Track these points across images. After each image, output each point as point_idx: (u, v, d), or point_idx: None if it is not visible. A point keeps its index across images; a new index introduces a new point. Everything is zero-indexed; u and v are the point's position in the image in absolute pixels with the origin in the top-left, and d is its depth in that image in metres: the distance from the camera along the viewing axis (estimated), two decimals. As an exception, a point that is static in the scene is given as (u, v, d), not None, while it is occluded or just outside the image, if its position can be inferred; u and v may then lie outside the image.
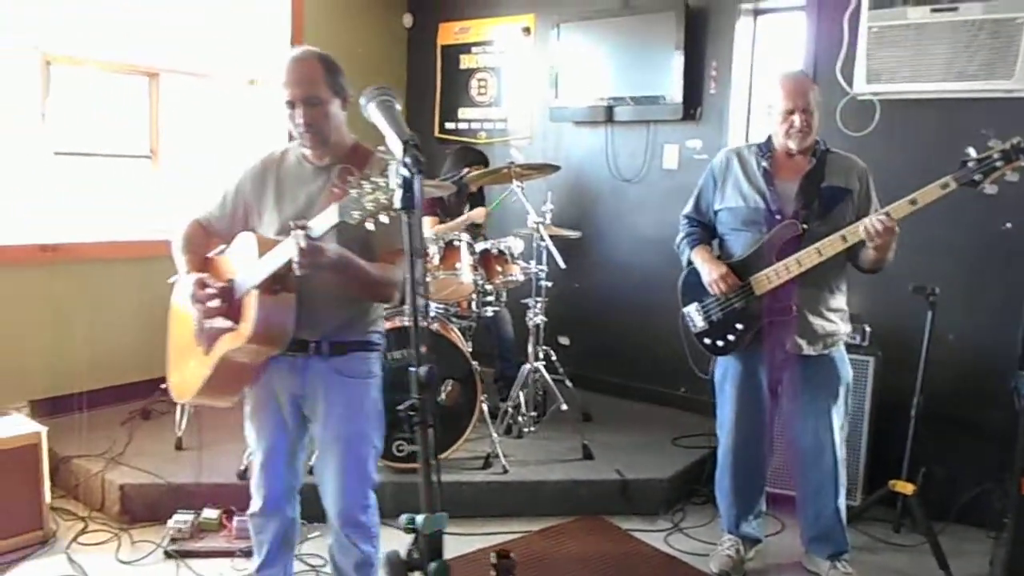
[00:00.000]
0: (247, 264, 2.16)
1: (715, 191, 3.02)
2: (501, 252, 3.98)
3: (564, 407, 3.97)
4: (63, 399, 3.97)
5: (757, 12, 4.47)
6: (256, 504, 2.46)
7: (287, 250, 1.98)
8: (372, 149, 2.29)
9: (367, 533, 2.39)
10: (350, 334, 2.30)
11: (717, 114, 4.48)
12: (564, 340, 4.95)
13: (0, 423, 3.18)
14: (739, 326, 2.91)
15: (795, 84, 2.82)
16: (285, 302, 2.13)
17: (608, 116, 4.80)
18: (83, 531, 3.28)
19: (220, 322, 2.19)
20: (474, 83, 5.47)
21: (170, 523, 3.19)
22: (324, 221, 1.92)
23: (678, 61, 4.41)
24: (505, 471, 3.62)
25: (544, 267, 4.10)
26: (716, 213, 3.02)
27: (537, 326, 4.10)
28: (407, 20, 5.74)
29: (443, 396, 3.61)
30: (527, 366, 4.07)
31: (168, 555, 3.10)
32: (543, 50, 5.06)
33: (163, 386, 4.06)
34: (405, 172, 1.42)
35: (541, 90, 5.08)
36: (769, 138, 2.93)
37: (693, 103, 4.49)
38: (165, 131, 4.76)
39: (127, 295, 4.30)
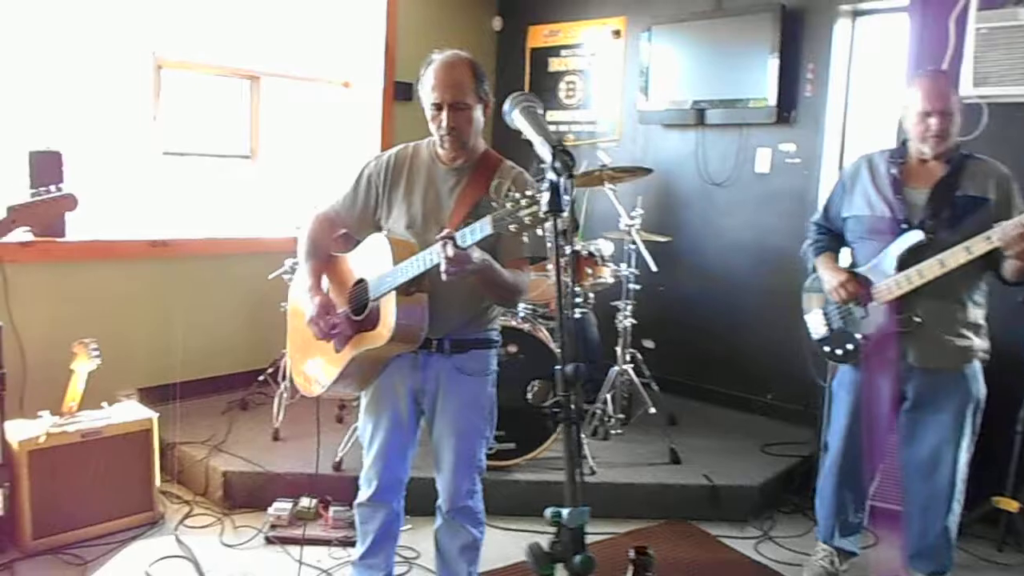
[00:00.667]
0: (379, 267, 2.23)
1: (843, 198, 2.94)
2: (591, 254, 3.99)
3: (652, 410, 3.96)
4: (166, 388, 4.15)
5: (857, 13, 4.37)
6: (365, 494, 2.53)
7: (431, 257, 2.04)
8: (501, 156, 2.36)
9: (474, 517, 2.48)
10: (470, 332, 2.37)
11: (813, 118, 4.40)
12: (648, 343, 4.93)
13: (115, 409, 3.35)
14: (859, 335, 2.84)
15: (933, 84, 2.68)
16: (420, 302, 2.20)
17: (699, 119, 4.76)
18: (188, 514, 3.43)
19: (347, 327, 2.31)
20: (562, 86, 5.50)
21: (270, 510, 3.31)
22: (477, 231, 1.96)
23: (773, 63, 4.35)
24: (592, 472, 3.64)
25: (635, 270, 4.10)
26: (844, 220, 2.93)
27: (626, 328, 4.10)
28: (496, 23, 5.81)
29: (530, 395, 3.64)
30: (615, 368, 4.07)
31: (269, 541, 3.22)
32: (633, 53, 5.06)
33: (261, 378, 4.28)
34: (553, 176, 1.45)
35: (630, 93, 5.08)
36: (904, 143, 2.81)
37: (787, 106, 4.43)
38: (264, 132, 4.93)
39: (228, 290, 4.47)
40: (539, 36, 5.62)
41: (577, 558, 1.29)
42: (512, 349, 3.57)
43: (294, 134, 5.10)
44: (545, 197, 1.57)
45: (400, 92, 5.23)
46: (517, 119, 1.74)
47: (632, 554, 1.91)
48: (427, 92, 2.25)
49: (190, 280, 4.40)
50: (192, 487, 3.66)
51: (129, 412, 3.35)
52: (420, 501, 2.78)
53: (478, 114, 2.27)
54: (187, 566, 3.03)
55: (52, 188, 2.07)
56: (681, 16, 4.80)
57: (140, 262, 4.22)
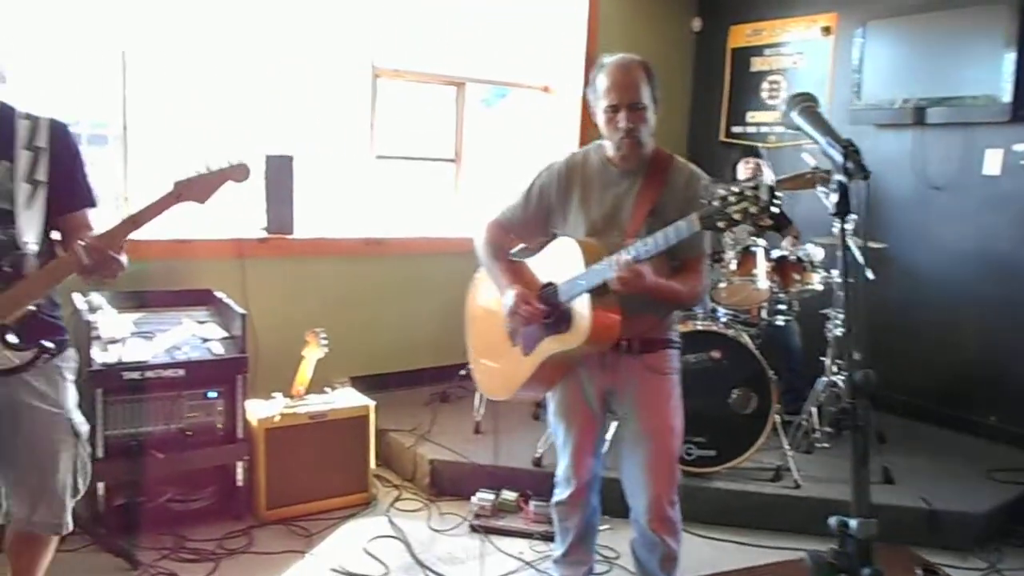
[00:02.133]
0: (569, 270, 2.25)
1: None
2: (800, 260, 3.84)
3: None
4: (375, 377, 4.40)
5: (1111, -1, 3.94)
6: (564, 493, 2.55)
7: (612, 266, 2.08)
8: (671, 155, 2.35)
9: (673, 528, 2.42)
10: (658, 333, 2.38)
11: (1054, 115, 4.01)
12: (855, 355, 4.66)
13: (337, 394, 3.60)
14: None
15: None
16: (613, 304, 2.21)
17: (917, 118, 4.46)
18: (398, 498, 3.63)
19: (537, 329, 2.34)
20: (765, 86, 5.33)
21: (474, 500, 3.44)
22: (683, 230, 1.97)
23: (1009, 57, 4.00)
24: (797, 486, 3.50)
25: (848, 278, 3.88)
26: None
27: (836, 338, 3.91)
28: (696, 24, 5.72)
29: (732, 402, 3.56)
30: (823, 379, 3.90)
31: (473, 529, 3.34)
32: (844, 49, 4.82)
33: (462, 372, 4.44)
34: (844, 178, 1.42)
35: (840, 91, 4.84)
36: None
37: (1024, 103, 4.06)
38: (468, 136, 5.12)
39: (433, 286, 4.68)
40: (741, 36, 5.47)
41: (866, 571, 1.24)
42: (716, 355, 3.50)
43: (496, 138, 5.27)
44: (764, 192, 1.53)
45: (599, 95, 5.26)
46: (798, 119, 1.71)
47: (920, 572, 1.83)
48: (601, 95, 2.26)
49: (399, 277, 4.65)
50: (401, 472, 3.87)
51: (349, 398, 3.60)
52: (620, 503, 2.78)
53: (651, 115, 2.27)
54: (399, 546, 3.21)
55: (229, 161, 2.07)
56: (900, 10, 4.52)
57: (355, 259, 4.51)
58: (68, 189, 2.08)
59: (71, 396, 2.17)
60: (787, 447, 3.58)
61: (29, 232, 1.99)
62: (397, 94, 4.86)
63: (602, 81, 2.26)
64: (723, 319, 3.83)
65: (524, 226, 2.49)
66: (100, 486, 3.05)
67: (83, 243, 1.92)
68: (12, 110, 2.06)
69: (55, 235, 2.11)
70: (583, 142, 5.21)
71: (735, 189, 1.78)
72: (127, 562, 2.91)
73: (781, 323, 4.04)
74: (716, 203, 1.82)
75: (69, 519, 2.20)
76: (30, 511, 2.14)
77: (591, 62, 5.17)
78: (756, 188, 1.82)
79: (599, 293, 2.19)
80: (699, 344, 3.52)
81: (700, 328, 3.59)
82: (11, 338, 1.94)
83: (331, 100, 4.49)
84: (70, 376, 2.18)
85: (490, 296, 2.54)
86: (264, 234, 4.10)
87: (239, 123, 4.16)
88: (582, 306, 2.23)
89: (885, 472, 3.59)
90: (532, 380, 2.42)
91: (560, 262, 2.31)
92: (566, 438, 2.51)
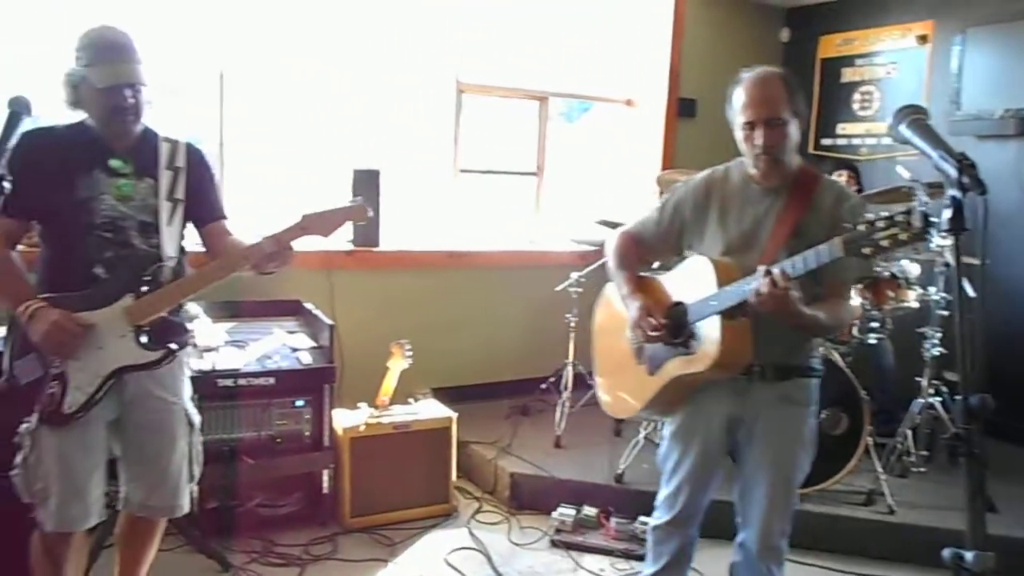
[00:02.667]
0: (701, 290, 2.17)
1: None
2: (894, 276, 3.71)
3: (960, 450, 3.58)
4: (456, 389, 4.43)
5: None
6: (663, 517, 2.45)
7: (755, 286, 1.99)
8: (819, 173, 2.24)
9: (780, 559, 2.33)
10: (794, 359, 2.25)
11: None
12: (951, 376, 4.47)
13: (420, 405, 3.65)
14: None
15: None
16: (745, 328, 2.12)
17: (1020, 128, 4.27)
18: (478, 510, 3.64)
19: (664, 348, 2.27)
20: (856, 96, 5.19)
21: (554, 514, 3.42)
22: (825, 254, 1.89)
23: (1125, 64, 3.80)
24: (891, 511, 3.36)
25: (945, 294, 3.74)
26: None
27: (934, 358, 3.75)
28: (784, 35, 5.62)
29: (822, 423, 3.45)
30: (919, 401, 3.74)
31: (553, 544, 3.33)
32: (942, 58, 4.65)
33: (543, 386, 4.45)
34: (958, 192, 1.36)
35: (937, 102, 4.66)
36: None
37: None
38: (550, 150, 5.13)
39: (514, 300, 4.70)
40: (831, 46, 5.34)
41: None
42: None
43: (577, 152, 5.27)
44: (918, 219, 1.47)
45: (684, 109, 5.21)
46: (907, 132, 1.64)
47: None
48: (737, 111, 2.17)
49: (481, 289, 4.68)
50: (481, 485, 3.88)
51: (432, 409, 3.63)
52: (708, 522, 2.71)
53: (793, 129, 2.16)
54: (480, 559, 3.22)
55: (351, 201, 2.26)
56: (1000, 16, 4.35)
57: (438, 271, 4.56)
58: (206, 204, 2.32)
59: (187, 388, 2.38)
60: (880, 470, 3.45)
61: (170, 245, 2.22)
62: (481, 108, 4.92)
63: (739, 96, 2.17)
64: (812, 336, 3.72)
65: (656, 241, 2.42)
66: (195, 489, 3.15)
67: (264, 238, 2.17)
68: (156, 134, 2.27)
69: (192, 247, 2.32)
70: (666, 156, 5.17)
71: (884, 214, 1.69)
72: (219, 564, 3.01)
73: (873, 341, 3.90)
74: (863, 227, 1.73)
75: (184, 502, 2.38)
76: (147, 495, 2.32)
77: (675, 75, 5.18)
78: (908, 214, 1.71)
79: (731, 315, 2.10)
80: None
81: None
82: (144, 339, 2.15)
83: (416, 115, 4.57)
84: (188, 370, 2.40)
85: (619, 310, 2.48)
86: (351, 247, 4.19)
87: (329, 138, 4.28)
88: (712, 328, 2.14)
89: (987, 500, 3.41)
90: (655, 400, 2.35)
91: (692, 281, 2.22)
92: (679, 464, 2.38)
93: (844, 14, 5.28)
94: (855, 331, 3.90)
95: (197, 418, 2.40)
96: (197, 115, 3.94)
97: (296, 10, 4.10)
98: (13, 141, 1.75)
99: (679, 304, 2.26)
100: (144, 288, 2.14)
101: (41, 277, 2.19)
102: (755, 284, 1.97)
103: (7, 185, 1.67)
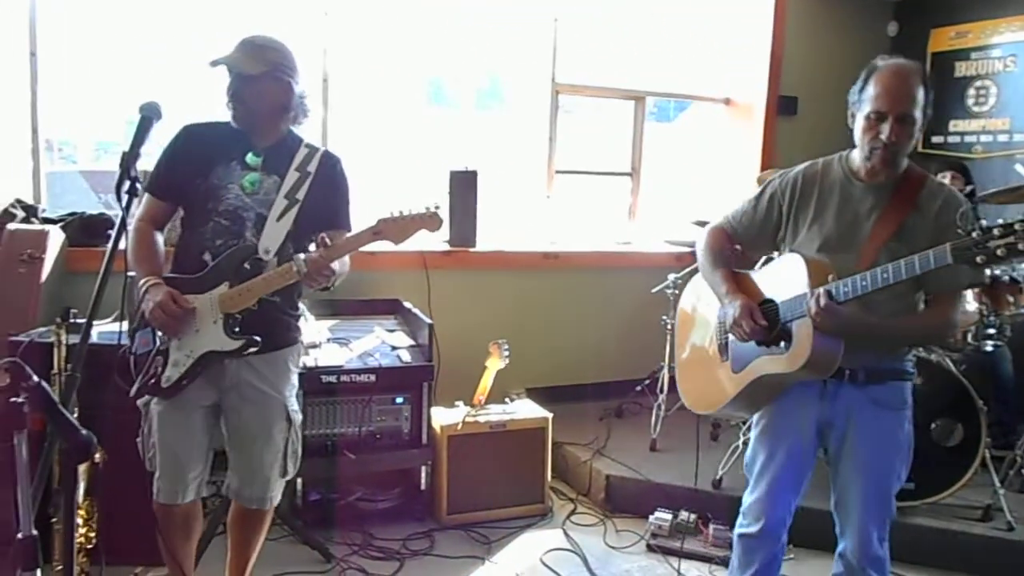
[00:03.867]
0: (793, 288, 2.11)
1: None
2: (1015, 280, 3.52)
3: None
4: (551, 390, 4.43)
5: None
6: (752, 527, 2.38)
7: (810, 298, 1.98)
8: (925, 173, 2.14)
9: (882, 567, 2.25)
10: (887, 362, 2.18)
11: None
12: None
13: (517, 405, 3.67)
14: None
15: None
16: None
17: None
18: (573, 512, 3.63)
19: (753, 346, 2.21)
20: (971, 92, 4.94)
21: (651, 518, 3.38)
22: (930, 260, 1.82)
23: None
24: (1010, 528, 3.19)
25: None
26: None
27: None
28: (892, 28, 5.40)
29: (934, 433, 3.30)
30: (1041, 412, 3.54)
31: (650, 548, 3.29)
32: (1068, 49, 4.39)
33: (637, 388, 4.40)
34: None
35: (1061, 96, 4.42)
36: None
37: None
38: (647, 150, 5.08)
39: (609, 301, 4.66)
40: (944, 39, 5.11)
41: None
42: (917, 381, 3.25)
43: (674, 152, 5.20)
44: None
45: (784, 107, 5.08)
46: None
47: None
48: (867, 99, 2.06)
49: (576, 291, 4.67)
50: (576, 486, 3.87)
51: (528, 409, 3.64)
52: (807, 533, 2.64)
53: (918, 131, 2.07)
54: (575, 560, 3.21)
55: (427, 207, 2.23)
56: None
57: (533, 272, 4.57)
58: (327, 210, 2.35)
59: (290, 384, 2.42)
60: (998, 484, 3.28)
61: (272, 241, 2.25)
62: (577, 108, 4.91)
63: (872, 85, 2.06)
64: (924, 342, 3.57)
65: (750, 234, 2.36)
66: (298, 481, 3.26)
67: (301, 256, 2.16)
68: (300, 140, 2.39)
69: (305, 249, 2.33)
70: (766, 155, 5.05)
71: (1001, 221, 1.62)
72: (321, 555, 3.09)
73: (990, 348, 3.70)
74: (976, 234, 1.66)
75: (275, 495, 2.43)
76: (241, 484, 2.40)
77: (775, 72, 5.05)
78: None
79: None
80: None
81: (919, 353, 3.35)
82: (233, 327, 2.21)
83: (513, 116, 4.60)
84: (294, 367, 2.44)
85: (705, 304, 2.46)
86: (447, 247, 4.24)
87: (428, 140, 4.35)
88: (803, 328, 2.08)
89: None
90: (739, 399, 2.30)
91: (783, 278, 2.17)
92: (765, 467, 2.33)
93: (958, 6, 5.04)
94: (970, 337, 3.72)
95: (298, 416, 2.43)
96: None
97: (395, 15, 4.18)
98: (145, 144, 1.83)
99: (770, 301, 2.20)
100: (239, 278, 2.21)
101: (172, 259, 2.34)
102: (809, 304, 1.96)
103: (138, 186, 1.73)
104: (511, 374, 3.69)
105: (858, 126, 2.10)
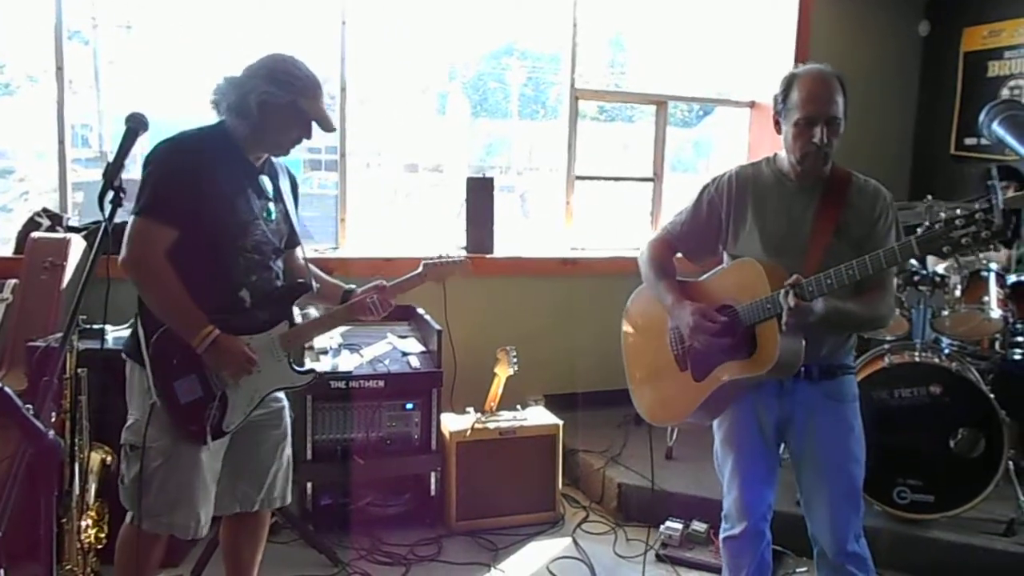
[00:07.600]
0: (752, 293, 2.12)
1: None
2: (1041, 286, 3.41)
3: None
4: (567, 396, 4.41)
5: None
6: (735, 528, 2.40)
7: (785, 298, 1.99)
8: (850, 172, 2.21)
9: (863, 564, 2.25)
10: (837, 358, 2.26)
11: None
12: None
13: (528, 412, 3.66)
14: None
15: None
16: (799, 331, 2.08)
17: None
18: (584, 519, 3.61)
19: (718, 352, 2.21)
20: (1005, 92, 4.79)
21: (662, 528, 3.34)
22: (896, 255, 1.86)
23: None
24: (1045, 544, 3.09)
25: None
26: None
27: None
28: (923, 28, 5.27)
29: (955, 444, 3.21)
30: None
31: (659, 558, 3.25)
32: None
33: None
34: None
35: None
36: None
37: None
38: (669, 154, 5.03)
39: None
40: (976, 38, 4.97)
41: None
42: (935, 390, 3.17)
43: (695, 155, 5.15)
44: (998, 216, 1.36)
45: (809, 109, 4.98)
46: (999, 130, 1.55)
47: None
48: (793, 106, 2.13)
49: (593, 297, 4.62)
50: (588, 494, 3.84)
51: (539, 416, 3.63)
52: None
53: (841, 131, 2.15)
54: (583, 569, 3.18)
55: (455, 254, 2.55)
56: None
57: (550, 279, 4.56)
58: (293, 229, 2.40)
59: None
60: (1022, 498, 3.17)
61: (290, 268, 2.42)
62: (598, 112, 4.89)
63: (798, 91, 2.14)
64: (946, 351, 3.47)
65: (692, 241, 2.40)
66: (309, 486, 3.30)
67: (374, 299, 2.38)
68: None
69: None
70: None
71: (960, 212, 1.63)
72: (329, 559, 3.11)
73: (1018, 357, 3.58)
74: (939, 226, 1.68)
75: (288, 494, 2.50)
76: (259, 491, 2.38)
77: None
78: (988, 211, 1.66)
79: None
80: (916, 377, 3.21)
81: (917, 360, 3.27)
82: (295, 363, 2.35)
83: (533, 121, 4.60)
84: None
85: (650, 318, 2.46)
86: (464, 253, 4.24)
87: (445, 146, 4.37)
88: (767, 331, 2.09)
89: None
90: (704, 407, 2.30)
91: (740, 284, 2.19)
92: (735, 469, 2.38)
93: (990, 4, 4.90)
94: (997, 346, 3.61)
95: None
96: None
97: (411, 22, 4.21)
98: (130, 156, 1.85)
99: (728, 307, 2.20)
100: (296, 317, 2.34)
101: (194, 293, 2.12)
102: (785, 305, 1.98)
103: (122, 196, 1.77)
104: (530, 380, 3.68)
105: (788, 132, 2.16)
